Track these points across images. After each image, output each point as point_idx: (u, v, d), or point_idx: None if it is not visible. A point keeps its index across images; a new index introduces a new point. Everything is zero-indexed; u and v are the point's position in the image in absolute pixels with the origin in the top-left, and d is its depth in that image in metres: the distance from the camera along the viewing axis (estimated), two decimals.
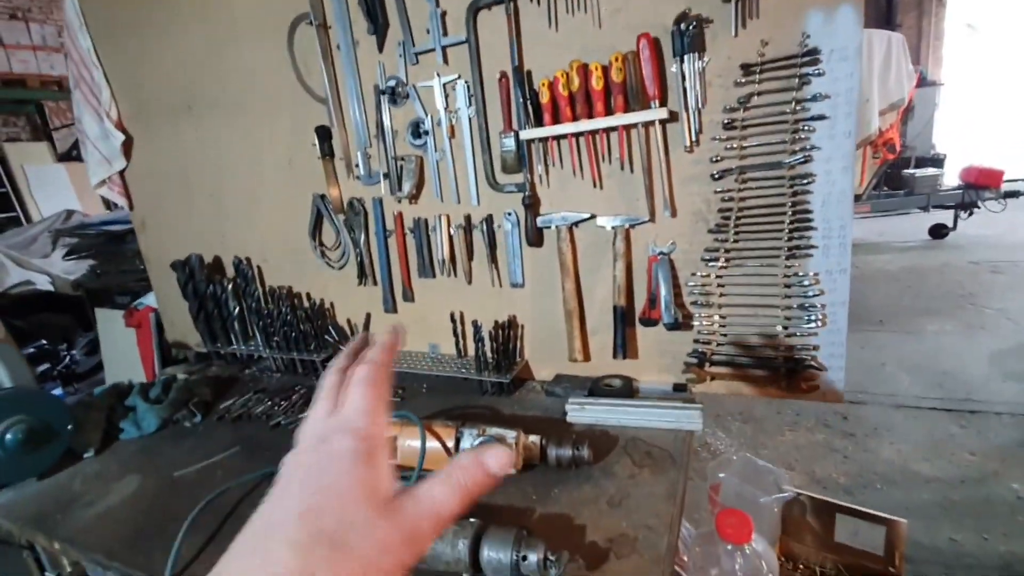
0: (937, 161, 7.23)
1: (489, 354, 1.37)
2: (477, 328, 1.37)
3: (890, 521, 1.02)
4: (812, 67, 1.01)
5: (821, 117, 1.02)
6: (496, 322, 1.37)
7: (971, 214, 5.98)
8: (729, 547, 0.88)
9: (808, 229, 1.07)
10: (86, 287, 3.36)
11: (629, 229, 1.22)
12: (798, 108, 1.03)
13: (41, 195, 6.13)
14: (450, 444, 1.02)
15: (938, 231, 6.34)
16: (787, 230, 1.08)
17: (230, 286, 1.76)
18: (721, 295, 1.17)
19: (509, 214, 1.33)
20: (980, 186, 5.79)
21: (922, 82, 7.70)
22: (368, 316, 1.64)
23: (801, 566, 1.15)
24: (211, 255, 1.83)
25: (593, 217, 1.25)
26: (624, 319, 1.26)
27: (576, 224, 1.27)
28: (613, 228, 1.23)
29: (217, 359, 1.86)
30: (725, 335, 1.19)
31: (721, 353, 1.20)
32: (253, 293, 1.74)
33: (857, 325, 4.12)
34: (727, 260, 1.15)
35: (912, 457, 2.57)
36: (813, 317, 1.10)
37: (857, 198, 6.40)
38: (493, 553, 0.76)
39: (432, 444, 1.03)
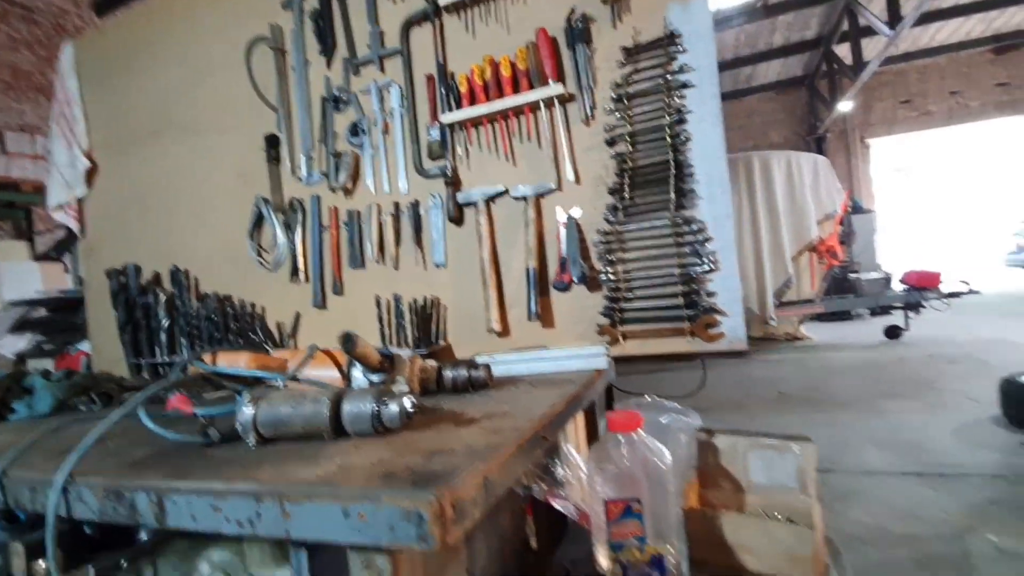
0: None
1: (410, 334, 1.37)
2: (398, 305, 1.38)
3: (799, 443, 0.96)
4: (676, 46, 1.20)
5: (689, 85, 1.19)
6: (414, 300, 1.39)
7: (918, 312, 6.27)
8: (619, 437, 0.83)
9: (690, 179, 1.18)
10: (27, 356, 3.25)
11: (539, 198, 1.32)
12: (670, 79, 1.21)
13: (9, 289, 6.13)
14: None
15: (893, 332, 6.58)
16: (673, 183, 1.19)
17: (163, 297, 1.76)
18: (623, 250, 1.24)
19: (434, 196, 1.43)
20: (922, 287, 6.17)
21: (857, 209, 8.61)
22: (297, 315, 1.63)
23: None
24: (152, 270, 1.85)
25: (507, 191, 1.35)
26: (537, 283, 1.29)
27: (493, 199, 1.37)
28: (525, 197, 1.32)
29: (137, 374, 1.78)
30: (631, 289, 1.23)
31: (630, 309, 1.23)
32: (186, 302, 1.73)
33: (821, 407, 4.08)
34: (626, 216, 1.23)
35: (884, 518, 2.40)
36: (705, 261, 1.16)
37: (811, 301, 6.73)
38: (353, 407, 0.72)
39: (331, 372, 0.99)
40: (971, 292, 6.31)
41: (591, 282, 1.26)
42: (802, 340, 7.12)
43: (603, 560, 0.84)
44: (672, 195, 1.19)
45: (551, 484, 1.03)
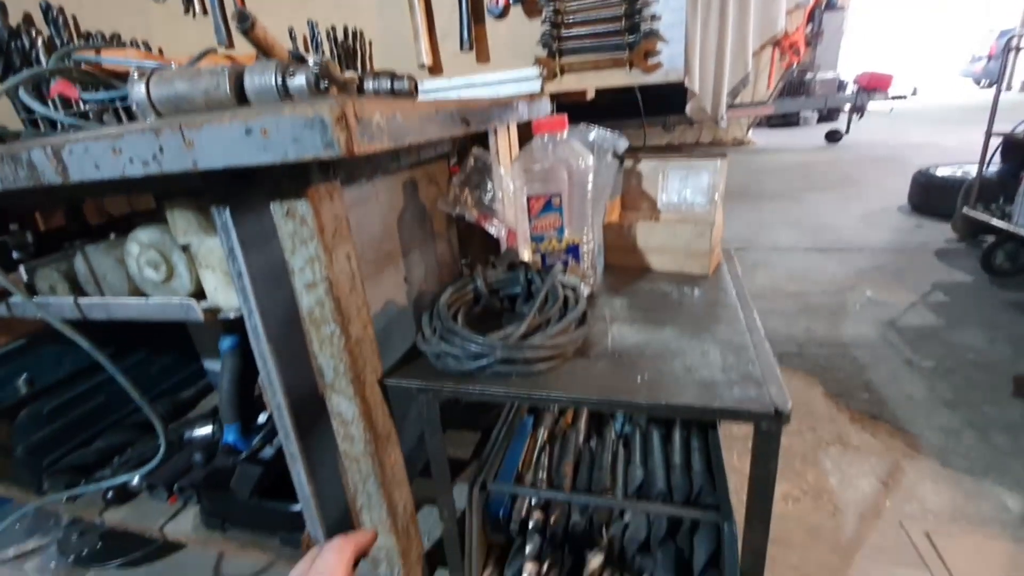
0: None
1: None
2: (315, 35, 1.23)
3: (714, 159, 1.03)
4: None
5: None
6: (333, 28, 1.24)
7: (862, 116, 6.38)
8: (544, 138, 0.84)
9: None
10: None
11: None
12: None
13: None
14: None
15: (833, 136, 6.75)
16: None
17: (41, 40, 1.49)
18: None
19: None
20: (871, 89, 6.15)
21: (829, 5, 7.98)
22: (204, 52, 1.44)
23: None
24: (22, 11, 1.53)
25: None
26: (470, 8, 1.16)
27: None
28: None
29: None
30: (572, 13, 1.13)
31: (569, 37, 1.15)
32: (68, 43, 1.48)
33: (749, 200, 4.35)
34: None
35: (782, 281, 2.77)
36: None
37: (763, 102, 6.63)
38: (257, 78, 0.67)
39: None
40: (913, 94, 6.38)
41: (529, 6, 1.15)
42: (747, 145, 7.24)
43: (525, 253, 0.91)
44: None
45: (483, 210, 1.07)
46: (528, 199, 0.86)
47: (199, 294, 0.74)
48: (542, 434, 1.08)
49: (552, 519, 0.87)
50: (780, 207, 4.08)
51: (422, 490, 1.05)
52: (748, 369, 0.65)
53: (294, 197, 0.59)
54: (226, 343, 0.82)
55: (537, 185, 0.85)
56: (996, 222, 2.59)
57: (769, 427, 0.58)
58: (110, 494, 1.09)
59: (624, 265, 1.06)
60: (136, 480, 1.08)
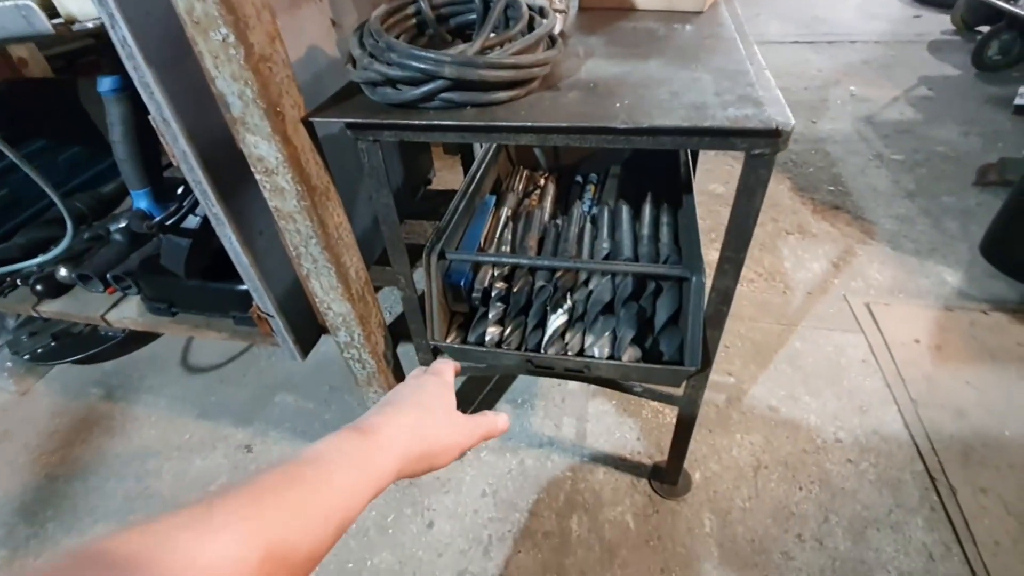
0: None
1: None
2: None
3: None
4: None
5: None
6: None
7: None
8: None
9: None
10: None
11: None
12: None
13: None
14: None
15: None
16: None
17: None
18: None
19: None
20: None
21: None
22: None
23: None
24: None
25: None
26: None
27: None
28: None
29: None
30: None
31: None
32: None
33: None
34: None
35: None
36: None
37: None
38: None
39: None
40: None
41: None
42: None
43: None
44: None
45: None
46: None
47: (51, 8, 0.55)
48: (505, 212, 1.01)
49: (515, 288, 0.85)
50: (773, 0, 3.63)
51: (380, 277, 1.01)
52: (745, 91, 0.55)
53: None
54: (105, 84, 0.65)
55: None
56: (1000, 3, 2.36)
57: (765, 149, 0.50)
58: (39, 287, 1.01)
59: (603, 7, 0.88)
60: (64, 272, 0.99)
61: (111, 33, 0.53)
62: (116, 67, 0.64)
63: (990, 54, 2.42)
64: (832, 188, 1.77)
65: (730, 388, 1.16)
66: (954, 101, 2.25)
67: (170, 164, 0.82)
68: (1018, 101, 2.03)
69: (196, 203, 0.71)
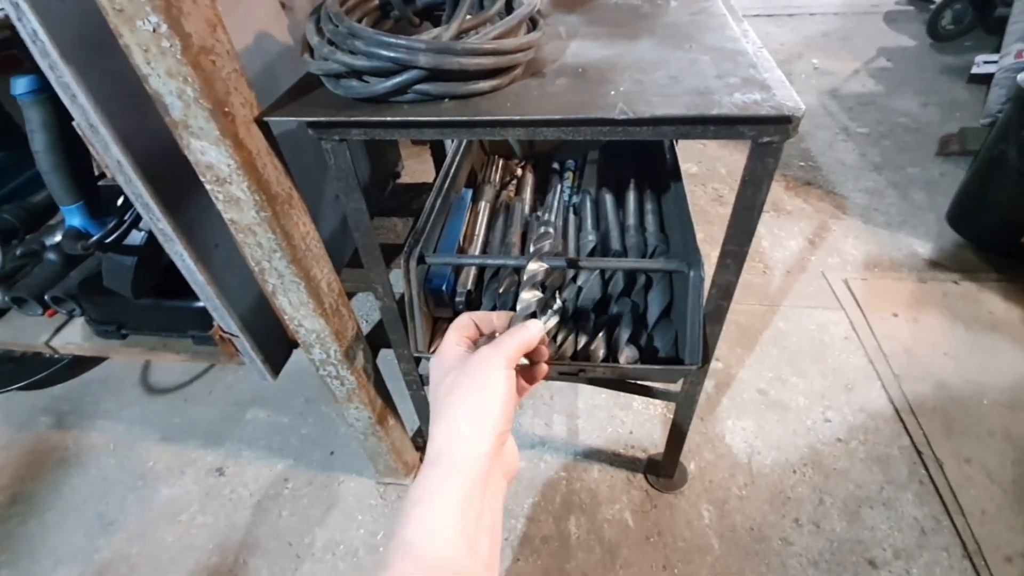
0: None
1: None
2: None
3: None
4: None
5: None
6: None
7: None
8: None
9: None
10: None
11: None
12: None
13: None
14: None
15: None
16: None
17: None
18: None
19: None
20: None
21: None
22: None
23: None
24: None
25: None
26: None
27: None
28: None
29: None
30: None
31: None
32: None
33: None
34: None
35: None
36: None
37: None
38: None
39: None
40: None
41: None
42: None
43: None
44: None
45: None
46: None
47: None
48: (483, 208, 0.95)
49: (500, 290, 0.80)
50: None
51: (352, 280, 0.94)
52: (748, 73, 0.51)
53: None
54: (20, 86, 0.56)
55: None
56: None
57: (775, 137, 0.46)
58: None
59: None
60: None
61: (18, 26, 0.44)
62: (34, 65, 0.55)
63: (944, 24, 2.47)
64: (803, 164, 1.78)
65: (719, 374, 1.15)
66: (911, 72, 2.29)
67: (103, 174, 0.72)
68: (974, 70, 2.07)
69: (139, 216, 0.63)
